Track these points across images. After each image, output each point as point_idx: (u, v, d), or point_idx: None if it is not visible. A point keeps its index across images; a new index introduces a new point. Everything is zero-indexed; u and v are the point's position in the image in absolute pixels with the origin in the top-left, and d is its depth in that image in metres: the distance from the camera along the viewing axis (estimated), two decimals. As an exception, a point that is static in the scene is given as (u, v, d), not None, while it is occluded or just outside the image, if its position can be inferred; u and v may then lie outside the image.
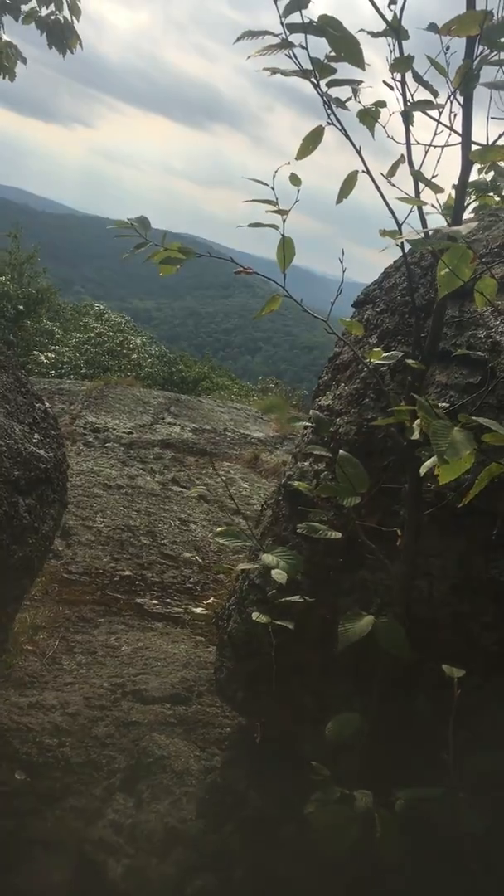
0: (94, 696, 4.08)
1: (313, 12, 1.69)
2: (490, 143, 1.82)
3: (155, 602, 5.65)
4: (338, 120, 1.80)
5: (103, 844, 2.68)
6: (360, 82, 1.77)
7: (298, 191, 2.05)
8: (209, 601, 5.72)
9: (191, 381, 26.32)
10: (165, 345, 34.48)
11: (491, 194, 4.45)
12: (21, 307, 22.38)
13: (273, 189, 2.03)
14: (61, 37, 6.30)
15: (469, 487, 1.71)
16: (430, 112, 1.89)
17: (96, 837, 2.72)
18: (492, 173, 5.07)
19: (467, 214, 3.04)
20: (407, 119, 1.92)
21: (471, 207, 4.04)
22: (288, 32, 1.65)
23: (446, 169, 2.10)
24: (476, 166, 4.91)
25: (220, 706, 3.84)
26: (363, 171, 1.80)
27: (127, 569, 6.02)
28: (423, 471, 1.60)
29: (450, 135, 1.82)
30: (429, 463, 1.56)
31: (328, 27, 1.61)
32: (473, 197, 4.59)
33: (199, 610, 5.61)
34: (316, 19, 1.73)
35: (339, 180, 2.01)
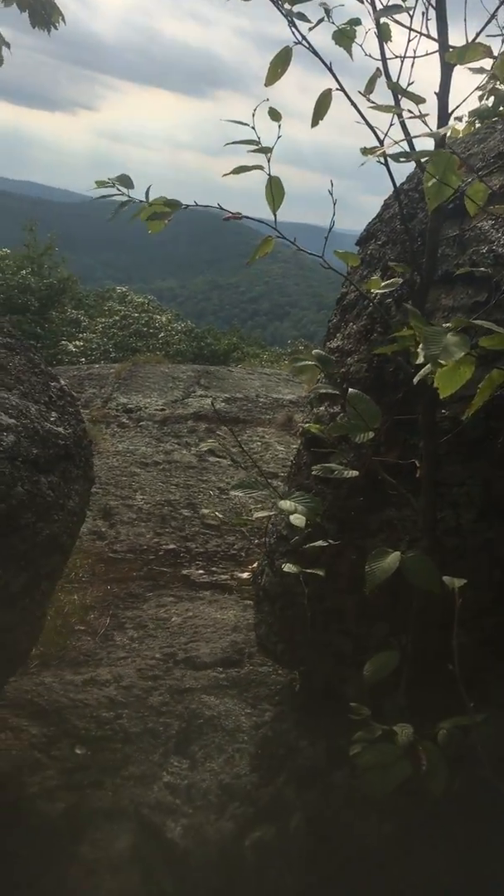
0: (146, 668, 4.12)
1: None
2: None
3: (201, 572, 5.67)
4: (305, 38, 1.72)
5: (161, 807, 2.71)
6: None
7: (280, 126, 1.97)
8: (254, 566, 5.72)
9: (221, 353, 26.24)
10: (193, 321, 34.38)
11: (495, 119, 4.29)
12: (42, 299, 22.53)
13: (254, 128, 1.96)
14: (43, 14, 6.21)
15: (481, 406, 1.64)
16: (403, 20, 1.80)
17: (154, 801, 2.75)
18: (492, 98, 4.89)
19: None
20: (381, 32, 1.83)
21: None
22: None
23: (429, 88, 2.00)
24: (476, 93, 4.72)
25: (271, 665, 3.84)
26: (337, 90, 1.72)
27: (171, 542, 6.05)
28: (417, 378, 1.53)
29: (420, 44, 1.72)
30: (424, 371, 1.49)
31: None
32: (478, 123, 4.43)
33: (244, 575, 5.62)
34: None
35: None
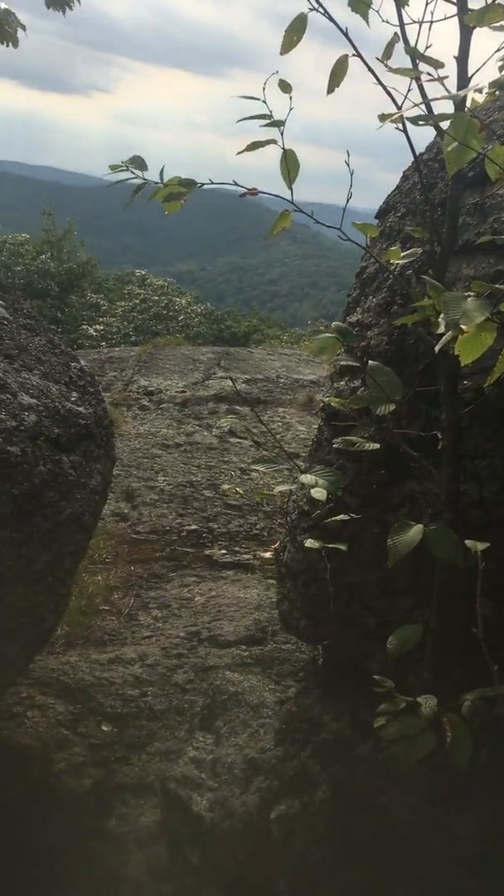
0: (171, 647, 4.16)
1: None
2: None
3: (224, 552, 5.69)
4: (320, 4, 1.68)
5: (187, 781, 2.73)
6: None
7: (291, 97, 1.94)
8: (276, 545, 5.72)
9: (241, 336, 26.17)
10: (212, 303, 34.26)
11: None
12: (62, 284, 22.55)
13: (265, 102, 1.94)
14: (58, -5, 6.18)
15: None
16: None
17: (180, 775, 2.78)
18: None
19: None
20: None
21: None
22: None
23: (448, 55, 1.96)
24: (497, 63, 4.65)
25: (294, 642, 3.86)
26: (354, 55, 1.69)
27: (193, 523, 6.07)
28: (438, 346, 1.50)
29: (437, 7, 1.69)
30: (445, 338, 1.46)
31: None
32: (498, 93, 4.35)
33: (267, 554, 5.63)
34: None
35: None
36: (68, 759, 3.18)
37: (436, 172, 2.46)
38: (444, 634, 2.10)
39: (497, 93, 4.21)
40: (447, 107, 1.82)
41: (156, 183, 2.09)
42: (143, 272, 27.70)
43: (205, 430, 8.37)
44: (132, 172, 2.09)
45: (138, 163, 2.09)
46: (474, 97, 2.65)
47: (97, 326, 20.90)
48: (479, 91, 3.01)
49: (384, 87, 1.64)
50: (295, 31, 1.72)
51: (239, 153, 2.08)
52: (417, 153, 2.17)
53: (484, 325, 1.34)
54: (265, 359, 11.94)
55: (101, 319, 22.08)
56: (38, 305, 20.50)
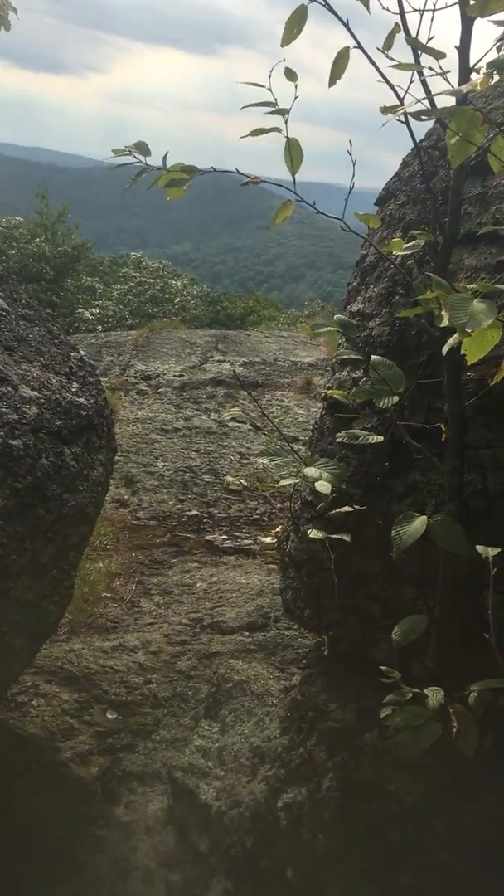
0: (174, 633, 4.18)
1: None
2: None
3: (224, 537, 5.71)
4: (321, -6, 1.67)
5: (193, 770, 2.76)
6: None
7: (296, 86, 1.93)
8: (277, 530, 5.73)
9: (237, 317, 26.10)
10: (208, 284, 34.10)
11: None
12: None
13: (270, 90, 1.92)
14: (48, -24, 6.10)
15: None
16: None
17: (186, 764, 2.81)
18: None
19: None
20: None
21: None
22: None
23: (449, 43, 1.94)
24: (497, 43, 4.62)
25: (297, 628, 3.88)
26: (355, 47, 1.67)
27: (193, 508, 6.08)
28: (445, 349, 1.51)
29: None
30: (452, 340, 1.47)
31: None
32: (496, 77, 4.30)
33: (268, 539, 5.64)
34: None
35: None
36: (75, 747, 3.20)
37: (436, 160, 2.45)
38: (448, 623, 2.11)
39: (496, 76, 4.17)
40: (449, 96, 1.80)
41: (158, 168, 2.07)
42: (139, 254, 27.54)
43: (203, 415, 8.36)
44: (135, 158, 2.07)
45: (142, 148, 2.08)
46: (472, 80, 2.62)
47: (93, 310, 20.84)
48: (476, 71, 2.98)
49: (387, 82, 1.63)
50: (295, 23, 1.71)
51: (242, 137, 2.05)
52: (417, 140, 2.16)
53: (490, 324, 1.34)
54: (262, 342, 11.90)
55: (96, 303, 22.01)
56: (34, 289, 20.42)
